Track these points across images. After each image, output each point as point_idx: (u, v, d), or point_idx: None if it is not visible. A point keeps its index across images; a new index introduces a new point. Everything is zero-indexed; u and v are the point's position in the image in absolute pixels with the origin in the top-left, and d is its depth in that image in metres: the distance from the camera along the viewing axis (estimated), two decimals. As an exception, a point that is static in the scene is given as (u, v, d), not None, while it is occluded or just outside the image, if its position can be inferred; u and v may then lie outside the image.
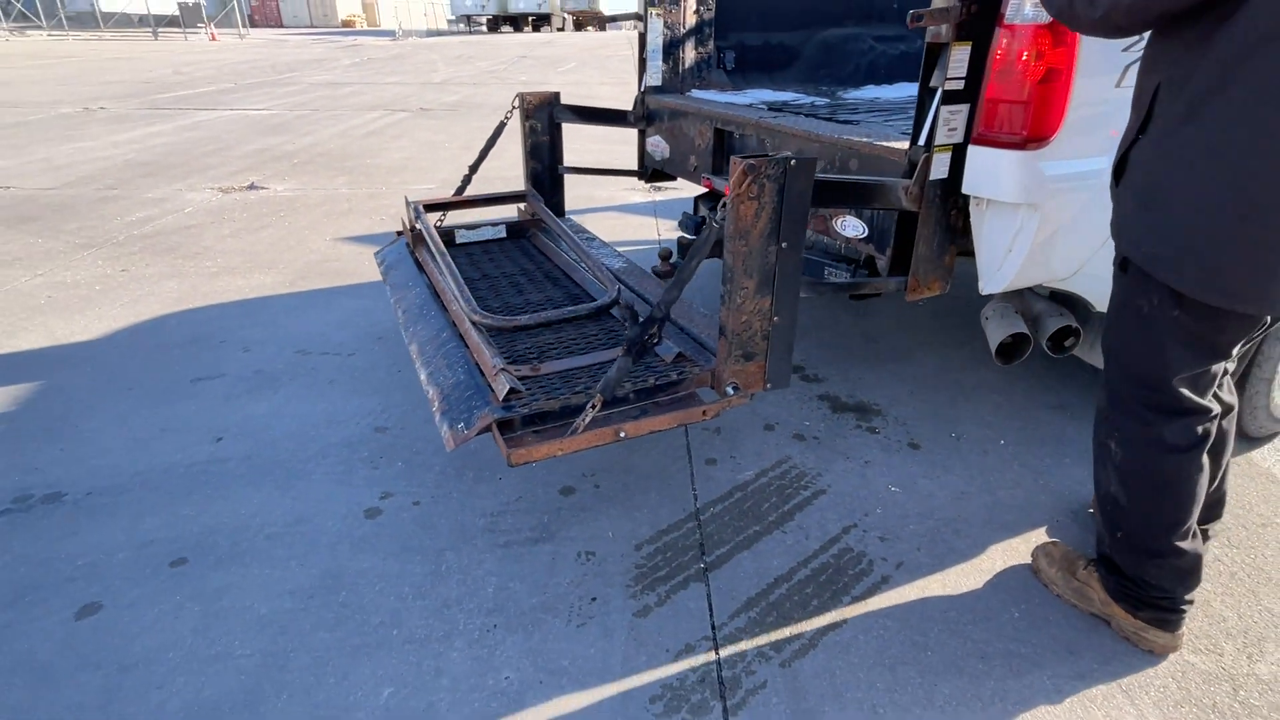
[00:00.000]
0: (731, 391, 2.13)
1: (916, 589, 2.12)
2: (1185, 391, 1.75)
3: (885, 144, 2.34)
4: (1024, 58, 1.96)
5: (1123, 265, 1.75)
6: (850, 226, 2.48)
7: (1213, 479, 2.00)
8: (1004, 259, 2.20)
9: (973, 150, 2.11)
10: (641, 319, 2.19)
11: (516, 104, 3.43)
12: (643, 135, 3.70)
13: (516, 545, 2.23)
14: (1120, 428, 1.87)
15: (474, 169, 3.42)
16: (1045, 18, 1.91)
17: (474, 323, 2.43)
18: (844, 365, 3.22)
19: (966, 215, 2.25)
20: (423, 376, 2.30)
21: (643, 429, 2.06)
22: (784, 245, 1.97)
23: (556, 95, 3.48)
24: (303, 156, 7.48)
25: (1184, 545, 1.86)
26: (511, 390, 2.04)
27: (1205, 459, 1.82)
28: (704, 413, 2.13)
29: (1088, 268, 2.28)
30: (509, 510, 2.37)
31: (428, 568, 2.14)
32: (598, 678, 1.86)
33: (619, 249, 3.22)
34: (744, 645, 1.95)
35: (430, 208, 3.36)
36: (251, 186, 6.26)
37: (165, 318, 3.71)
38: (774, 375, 2.14)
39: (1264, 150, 1.46)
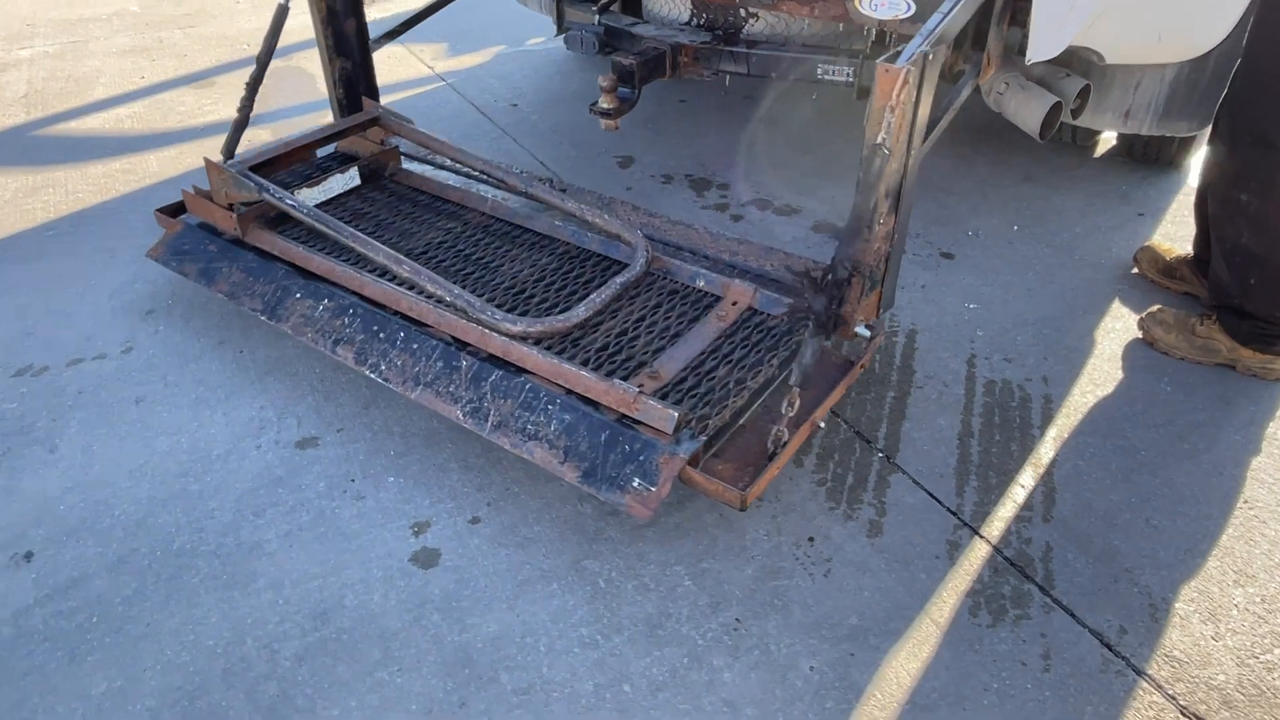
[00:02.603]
0: (867, 333, 1.84)
1: (1080, 396, 2.02)
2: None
3: None
4: None
5: None
6: (887, 6, 2.11)
7: None
8: (1066, 14, 2.04)
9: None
10: (818, 282, 1.72)
11: None
12: None
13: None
14: (1258, 175, 1.84)
15: (254, 88, 2.43)
16: None
17: (519, 336, 1.81)
18: (812, 186, 2.93)
19: None
20: (506, 443, 1.72)
21: (826, 408, 1.78)
22: (913, 151, 1.65)
23: None
24: None
25: (1315, 265, 1.93)
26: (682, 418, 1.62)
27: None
28: (861, 366, 1.92)
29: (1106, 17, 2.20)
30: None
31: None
32: (902, 622, 1.53)
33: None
34: (996, 516, 1.72)
35: (259, 168, 2.34)
36: None
37: None
38: (887, 299, 1.89)
39: None
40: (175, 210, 2.44)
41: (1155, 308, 2.21)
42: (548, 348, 1.83)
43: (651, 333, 1.94)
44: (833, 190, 2.93)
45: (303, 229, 2.29)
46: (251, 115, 2.47)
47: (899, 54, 1.59)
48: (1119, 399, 2.02)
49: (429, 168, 2.72)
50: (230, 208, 2.24)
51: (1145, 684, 1.42)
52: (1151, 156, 3.06)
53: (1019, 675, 1.44)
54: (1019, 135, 3.30)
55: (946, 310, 2.34)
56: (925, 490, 1.79)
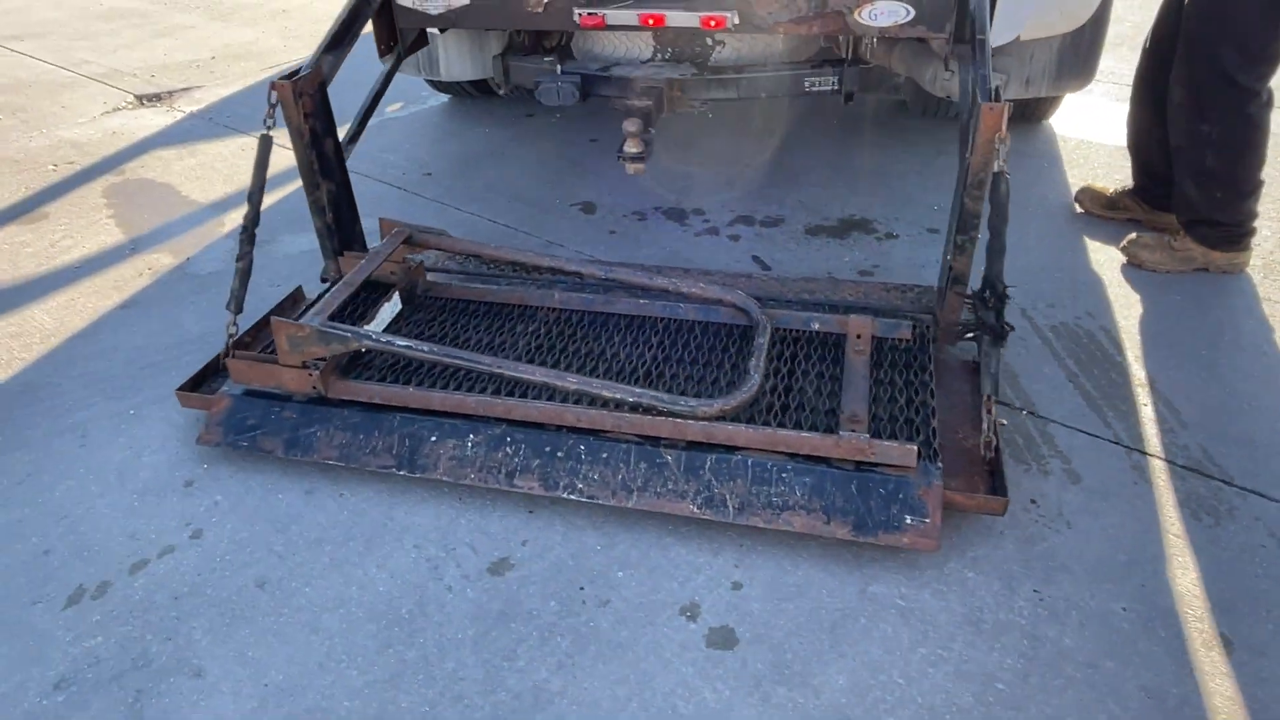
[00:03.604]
0: (970, 336, 2.06)
1: (1124, 320, 2.34)
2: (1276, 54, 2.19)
3: None
4: None
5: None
6: (885, 13, 2.26)
7: None
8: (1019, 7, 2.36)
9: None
10: (988, 304, 1.91)
11: (275, 100, 2.16)
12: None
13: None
14: (1219, 108, 2.25)
15: (250, 232, 2.11)
16: None
17: (718, 416, 1.77)
18: (777, 195, 3.05)
19: None
20: (759, 521, 1.70)
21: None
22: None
23: (323, 70, 2.26)
24: None
25: (1262, 175, 2.38)
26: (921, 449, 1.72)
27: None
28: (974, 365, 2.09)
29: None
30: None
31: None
32: (1155, 546, 1.70)
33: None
34: (1146, 435, 1.95)
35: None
36: None
37: None
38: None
39: None
40: (195, 383, 2.10)
41: (1133, 235, 2.60)
42: (736, 419, 1.81)
43: (810, 380, 1.98)
44: (797, 195, 3.10)
45: (375, 369, 2.06)
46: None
47: (997, 91, 1.79)
48: (1153, 314, 2.36)
49: (455, 275, 2.48)
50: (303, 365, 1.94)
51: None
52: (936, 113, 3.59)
53: (1266, 557, 1.66)
54: (905, 119, 3.69)
55: (921, 275, 2.57)
56: (1084, 432, 1.98)
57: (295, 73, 2.20)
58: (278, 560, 1.75)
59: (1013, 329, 1.90)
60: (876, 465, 1.72)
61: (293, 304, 2.46)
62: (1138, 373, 2.15)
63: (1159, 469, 1.87)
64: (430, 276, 2.41)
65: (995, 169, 1.82)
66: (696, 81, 2.56)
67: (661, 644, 1.55)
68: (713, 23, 2.34)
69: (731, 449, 1.78)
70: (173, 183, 3.43)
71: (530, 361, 2.11)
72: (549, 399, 1.91)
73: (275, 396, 2.01)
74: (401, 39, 2.63)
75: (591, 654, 1.54)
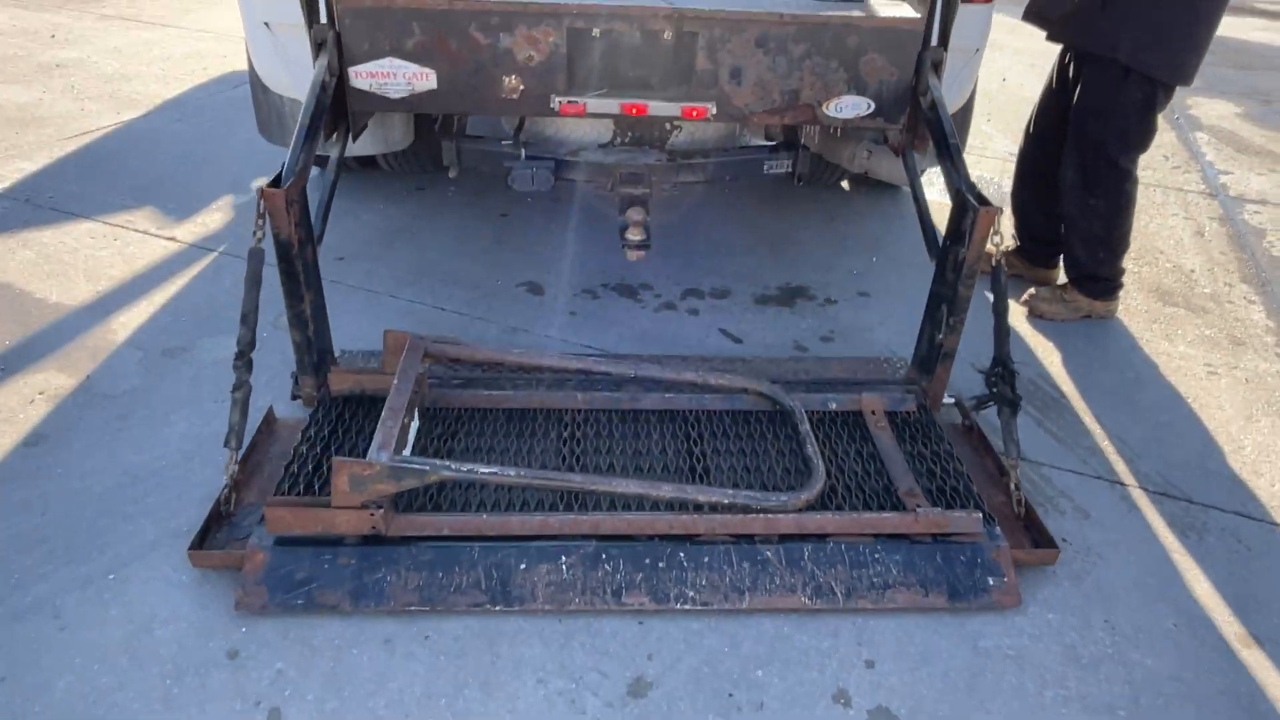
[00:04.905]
0: (951, 399, 2.36)
1: (1051, 367, 2.72)
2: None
3: (895, 14, 2.35)
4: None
5: (1125, 72, 2.51)
6: (850, 106, 2.46)
7: None
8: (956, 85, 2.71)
9: (962, 8, 2.42)
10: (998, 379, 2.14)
11: (264, 209, 1.91)
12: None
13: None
14: (1104, 185, 2.73)
15: (247, 355, 1.93)
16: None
17: (805, 507, 1.87)
18: (716, 266, 3.15)
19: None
20: (867, 604, 1.80)
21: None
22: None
23: (306, 173, 2.04)
24: None
25: (1130, 235, 2.89)
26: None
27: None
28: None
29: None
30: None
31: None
32: (1180, 561, 2.00)
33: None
34: (1113, 467, 2.30)
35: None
36: None
37: None
38: None
39: None
40: (201, 536, 1.83)
41: (1031, 291, 3.04)
42: (818, 507, 1.90)
43: (850, 459, 2.11)
44: (732, 266, 3.25)
45: (413, 496, 1.91)
46: None
47: (984, 199, 2.05)
48: (1070, 360, 2.77)
49: (453, 382, 2.31)
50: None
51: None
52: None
53: (1247, 561, 2.03)
54: (789, 189, 3.98)
55: (875, 347, 2.82)
56: (1072, 472, 2.28)
57: (278, 179, 1.99)
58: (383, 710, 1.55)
59: (1021, 399, 2.16)
60: (950, 535, 1.88)
61: (269, 431, 2.19)
62: (1084, 413, 2.53)
63: (1139, 496, 2.22)
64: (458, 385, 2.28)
65: (994, 261, 2.08)
66: (669, 166, 2.64)
67: (830, 736, 1.59)
68: (694, 113, 2.44)
69: (823, 537, 1.87)
70: (14, 283, 2.88)
71: (573, 466, 2.05)
72: (636, 508, 1.88)
73: (322, 541, 1.78)
74: (352, 122, 2.45)
75: (772, 761, 1.54)
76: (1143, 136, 2.69)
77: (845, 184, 3.97)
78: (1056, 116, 2.86)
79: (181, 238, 3.24)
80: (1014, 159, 3.18)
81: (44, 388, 2.37)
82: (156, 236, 3.24)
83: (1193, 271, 3.39)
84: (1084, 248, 2.88)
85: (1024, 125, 3.07)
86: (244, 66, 5.55)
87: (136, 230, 3.28)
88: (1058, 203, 2.91)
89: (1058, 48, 2.87)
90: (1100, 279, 2.92)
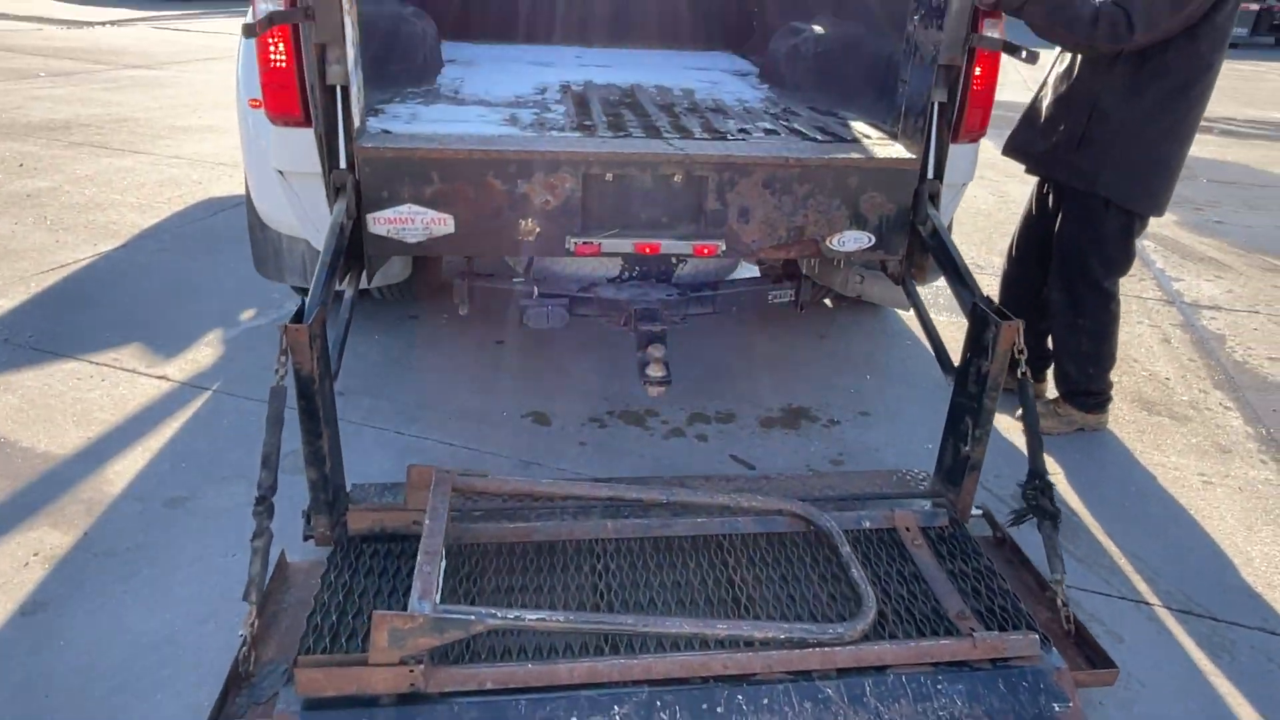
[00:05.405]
0: (979, 511, 2.40)
1: (1057, 479, 2.76)
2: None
3: (893, 154, 2.48)
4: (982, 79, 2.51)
5: (1105, 205, 2.68)
6: (852, 240, 2.55)
7: None
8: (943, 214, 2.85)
9: (954, 148, 2.57)
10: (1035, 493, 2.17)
11: (286, 345, 1.88)
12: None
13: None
14: (1090, 307, 2.87)
15: (268, 501, 1.86)
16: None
17: (861, 638, 1.85)
18: (719, 389, 3.17)
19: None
20: None
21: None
22: None
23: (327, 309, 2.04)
24: None
25: (1116, 351, 3.02)
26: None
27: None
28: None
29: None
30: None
31: None
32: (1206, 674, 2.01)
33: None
34: (1129, 587, 2.33)
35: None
36: None
37: None
38: None
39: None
40: (221, 705, 1.71)
41: (1028, 410, 3.14)
42: (866, 637, 1.88)
43: (893, 580, 2.10)
44: (733, 389, 3.29)
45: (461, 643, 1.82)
46: None
47: (1004, 313, 2.13)
48: (1073, 475, 2.85)
49: (471, 516, 2.26)
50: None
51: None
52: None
53: (1275, 681, 2.06)
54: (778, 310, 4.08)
55: (911, 458, 2.91)
56: (1098, 593, 2.31)
57: (300, 314, 1.98)
58: None
59: (1060, 512, 2.19)
60: (1009, 659, 1.86)
61: (282, 578, 2.10)
62: (1096, 530, 2.58)
63: (1165, 616, 2.24)
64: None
65: (1019, 374, 2.15)
66: (680, 300, 2.70)
67: None
68: (705, 250, 2.52)
69: (881, 669, 1.83)
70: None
71: (610, 602, 2.00)
72: (686, 647, 1.83)
73: (356, 702, 1.69)
74: (369, 265, 2.47)
75: None
76: (1124, 261, 2.85)
77: (828, 300, 4.10)
78: (1037, 242, 3.03)
79: (173, 376, 3.17)
80: (980, 268, 3.34)
81: (38, 548, 2.25)
82: (146, 375, 3.16)
83: (1168, 379, 3.54)
84: (1075, 365, 3.00)
85: (984, 237, 3.24)
86: (221, 193, 5.70)
87: (124, 369, 3.20)
88: (1043, 320, 3.05)
89: (1007, 165, 3.07)
90: (1092, 394, 3.03)
